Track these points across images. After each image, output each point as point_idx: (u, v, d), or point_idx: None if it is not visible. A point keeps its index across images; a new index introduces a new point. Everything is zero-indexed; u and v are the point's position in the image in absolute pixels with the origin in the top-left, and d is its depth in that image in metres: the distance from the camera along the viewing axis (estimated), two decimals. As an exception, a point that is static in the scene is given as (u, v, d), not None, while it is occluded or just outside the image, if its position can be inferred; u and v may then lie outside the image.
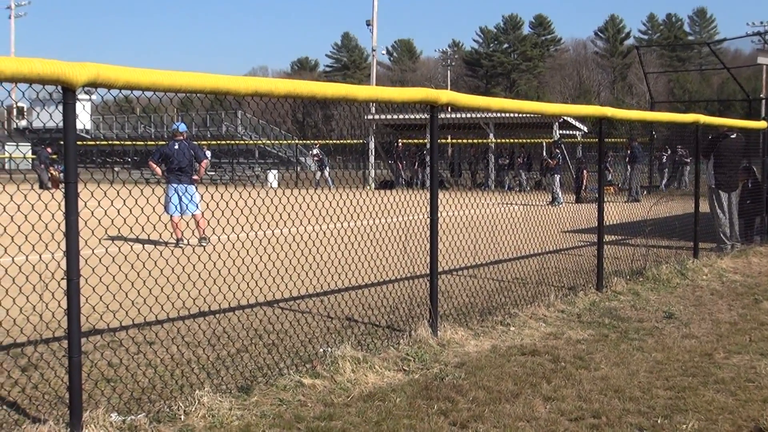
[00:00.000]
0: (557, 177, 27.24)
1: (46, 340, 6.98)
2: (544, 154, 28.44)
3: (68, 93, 4.66)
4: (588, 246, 13.23)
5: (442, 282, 8.29)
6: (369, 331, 7.75)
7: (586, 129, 40.25)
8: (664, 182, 34.58)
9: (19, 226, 5.31)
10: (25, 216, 5.10)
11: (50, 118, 5.47)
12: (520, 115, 11.06)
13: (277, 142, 58.30)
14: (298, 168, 50.54)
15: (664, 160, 35.10)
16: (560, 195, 26.89)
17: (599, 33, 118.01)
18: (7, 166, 51.68)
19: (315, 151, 42.06)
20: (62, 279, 4.81)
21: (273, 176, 40.85)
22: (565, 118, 34.04)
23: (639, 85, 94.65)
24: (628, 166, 30.10)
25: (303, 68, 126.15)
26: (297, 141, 62.85)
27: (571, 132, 40.21)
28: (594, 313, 8.79)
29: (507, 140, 38.49)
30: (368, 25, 57.90)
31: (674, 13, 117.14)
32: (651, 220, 13.00)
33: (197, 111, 57.53)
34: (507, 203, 23.78)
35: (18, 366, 6.41)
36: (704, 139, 14.16)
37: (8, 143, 58.20)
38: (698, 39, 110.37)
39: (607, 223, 10.68)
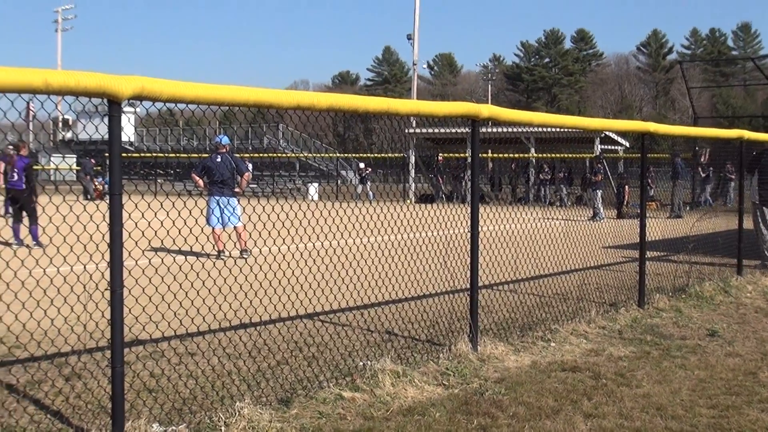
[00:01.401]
0: (599, 192, 27.06)
1: (89, 350, 7.05)
2: (588, 173, 28.21)
3: (114, 106, 4.70)
4: (630, 262, 13.14)
5: (482, 296, 8.27)
6: (409, 345, 7.74)
7: (627, 144, 40.00)
8: (705, 196, 34.10)
9: (64, 237, 5.38)
10: (71, 227, 5.17)
11: (96, 130, 5.54)
12: (561, 129, 11.02)
13: (318, 155, 58.57)
14: (339, 181, 50.71)
15: (710, 175, 34.57)
16: (602, 210, 26.72)
17: (642, 48, 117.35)
18: (53, 178, 52.33)
19: (362, 165, 42.19)
20: (106, 289, 4.86)
21: (314, 189, 41.04)
22: (607, 133, 33.88)
23: (682, 100, 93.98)
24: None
25: (344, 82, 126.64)
26: (338, 154, 63.06)
27: (612, 147, 39.98)
28: (636, 330, 8.72)
29: (548, 155, 38.35)
30: (409, 39, 58.01)
31: (718, 28, 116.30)
32: (694, 236, 12.88)
33: (240, 124, 57.96)
34: (548, 218, 23.70)
35: (62, 375, 6.48)
36: (748, 155, 14.01)
37: (54, 155, 58.97)
38: (742, 54, 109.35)
39: (649, 239, 10.60)
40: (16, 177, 16.59)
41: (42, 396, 5.98)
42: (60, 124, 70.77)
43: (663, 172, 35.01)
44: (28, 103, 5.39)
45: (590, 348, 7.86)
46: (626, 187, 29.38)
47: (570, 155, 38.19)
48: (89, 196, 36.11)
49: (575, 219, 23.05)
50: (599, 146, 35.93)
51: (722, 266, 12.79)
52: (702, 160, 33.36)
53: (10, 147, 17.18)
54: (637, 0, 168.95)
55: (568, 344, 7.98)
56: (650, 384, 6.59)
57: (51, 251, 5.92)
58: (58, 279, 6.28)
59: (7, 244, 15.34)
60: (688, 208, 29.64)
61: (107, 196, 4.84)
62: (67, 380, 6.35)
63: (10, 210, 17.84)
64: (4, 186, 17.06)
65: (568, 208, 32.68)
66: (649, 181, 28.63)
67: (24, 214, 16.63)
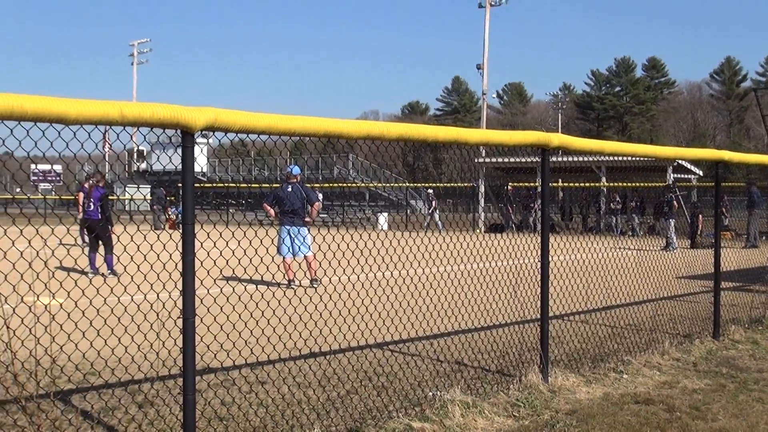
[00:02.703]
0: (672, 222, 26.68)
1: (162, 378, 7.14)
2: (662, 201, 27.74)
3: (187, 136, 4.75)
4: (704, 292, 12.90)
5: (552, 327, 8.19)
6: (479, 376, 7.69)
7: (701, 173, 39.40)
8: None
9: (138, 266, 5.47)
10: (144, 256, 5.25)
11: (169, 161, 5.62)
12: (633, 158, 10.90)
13: (387, 185, 58.76)
14: (408, 211, 50.76)
15: None
16: (675, 240, 26.31)
17: (715, 75, 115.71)
18: (127, 208, 53.31)
19: (429, 191, 42.20)
20: (178, 318, 4.91)
21: (383, 219, 41.13)
22: (680, 161, 33.38)
23: (756, 128, 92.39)
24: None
25: (413, 112, 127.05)
26: (407, 184, 63.20)
27: (685, 176, 39.42)
28: (711, 362, 8.54)
29: (619, 184, 37.95)
30: (479, 69, 58.05)
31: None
32: (771, 266, 12.61)
33: (310, 154, 58.48)
34: (619, 248, 23.42)
35: (135, 402, 6.56)
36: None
37: (129, 185, 60.11)
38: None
39: (724, 269, 10.40)
40: (92, 207, 16.95)
41: (115, 423, 6.07)
42: (135, 155, 72.14)
43: (737, 201, 34.37)
44: (104, 133, 5.51)
45: (664, 380, 7.73)
46: (700, 216, 28.92)
47: (642, 184, 37.69)
48: (162, 226, 36.62)
49: (648, 249, 22.74)
50: (672, 175, 35.45)
51: (801, 297, 12.48)
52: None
53: (90, 180, 17.53)
54: (710, 27, 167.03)
55: (641, 376, 7.85)
56: (726, 418, 6.45)
57: (125, 279, 6.01)
58: (132, 307, 6.38)
59: (83, 272, 15.64)
60: (764, 237, 29.04)
61: (180, 226, 4.90)
62: (140, 407, 6.43)
63: (87, 239, 18.23)
64: (82, 216, 17.42)
65: (640, 238, 32.25)
66: (724, 210, 28.16)
67: (100, 243, 16.97)
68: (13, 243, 4.98)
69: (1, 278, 4.87)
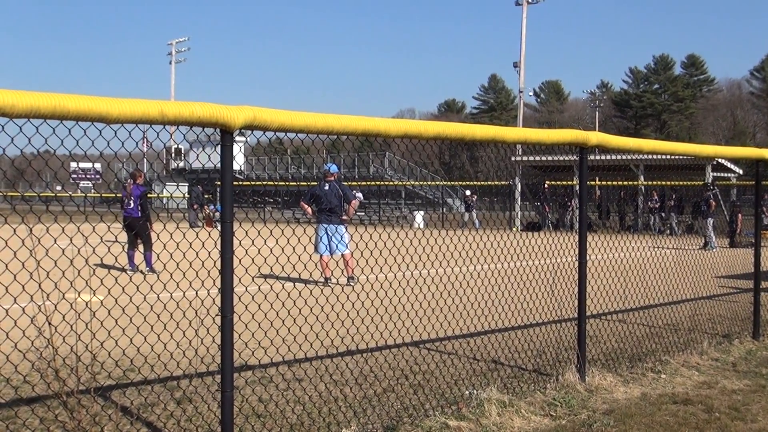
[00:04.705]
0: (710, 220, 26.43)
1: (200, 374, 7.19)
2: (707, 194, 27.49)
3: (226, 135, 4.76)
4: (743, 292, 12.78)
5: (590, 326, 8.15)
6: (515, 374, 7.68)
7: (741, 171, 39.01)
8: None
9: (177, 263, 5.52)
10: (183, 253, 5.29)
11: (209, 159, 5.66)
12: (671, 157, 10.82)
13: (424, 183, 58.76)
14: (445, 209, 50.73)
15: None
16: (714, 239, 26.07)
17: (755, 73, 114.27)
18: (166, 206, 53.70)
19: (468, 193, 42.18)
20: (217, 315, 4.95)
21: (420, 217, 41.14)
22: (719, 160, 33.08)
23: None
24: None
25: (450, 110, 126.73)
26: (443, 182, 63.15)
27: (724, 174, 39.06)
28: (750, 363, 8.46)
29: (657, 182, 37.67)
30: (515, 66, 57.99)
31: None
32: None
33: (348, 152, 58.62)
34: (657, 247, 23.24)
35: (174, 399, 6.62)
36: None
37: (168, 183, 60.57)
38: None
39: (764, 269, 10.29)
40: (132, 205, 17.10)
41: (154, 419, 6.12)
42: (173, 154, 72.70)
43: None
44: (144, 132, 5.57)
45: (702, 380, 7.67)
46: (739, 215, 28.64)
47: (680, 183, 37.40)
48: (201, 224, 36.81)
49: (686, 248, 22.55)
50: (711, 174, 35.14)
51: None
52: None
53: (136, 177, 17.65)
54: (750, 24, 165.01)
55: (680, 376, 7.80)
56: (766, 419, 6.39)
57: (164, 277, 6.07)
58: (171, 304, 6.44)
59: (122, 270, 15.80)
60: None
61: (218, 223, 4.94)
62: (178, 404, 6.48)
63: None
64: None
65: (678, 237, 31.99)
66: (764, 209, 27.86)
67: (139, 241, 17.11)
68: (55, 240, 5.05)
69: (42, 275, 4.93)
